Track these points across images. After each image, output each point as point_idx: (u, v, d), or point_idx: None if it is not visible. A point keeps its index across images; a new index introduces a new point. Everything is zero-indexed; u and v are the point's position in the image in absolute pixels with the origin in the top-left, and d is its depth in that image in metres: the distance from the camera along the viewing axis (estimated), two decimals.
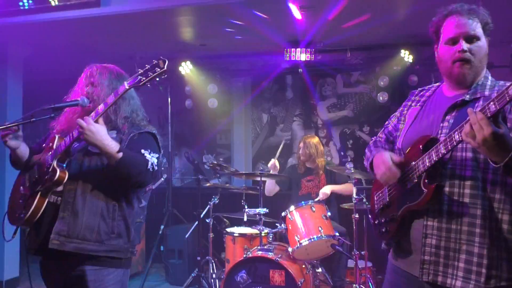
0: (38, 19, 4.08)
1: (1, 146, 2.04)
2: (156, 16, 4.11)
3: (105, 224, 1.85)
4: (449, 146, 1.39)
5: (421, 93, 1.76)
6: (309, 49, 5.01)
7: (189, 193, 5.91)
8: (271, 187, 4.27)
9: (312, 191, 4.20)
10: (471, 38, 1.50)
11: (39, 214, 1.86)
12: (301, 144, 4.33)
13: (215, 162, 4.16)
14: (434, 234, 1.48)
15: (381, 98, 5.50)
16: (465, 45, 1.50)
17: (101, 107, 1.83)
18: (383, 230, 1.68)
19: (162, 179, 4.97)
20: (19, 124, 1.95)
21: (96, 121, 1.79)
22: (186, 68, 5.51)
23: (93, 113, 1.83)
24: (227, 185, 4.98)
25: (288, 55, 5.04)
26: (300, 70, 5.41)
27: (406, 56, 5.06)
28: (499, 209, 1.41)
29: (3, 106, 4.80)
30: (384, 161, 1.61)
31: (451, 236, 1.45)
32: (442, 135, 1.49)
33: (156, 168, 1.90)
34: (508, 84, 1.26)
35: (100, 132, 1.77)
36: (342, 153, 5.82)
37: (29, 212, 1.84)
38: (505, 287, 1.39)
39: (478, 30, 1.51)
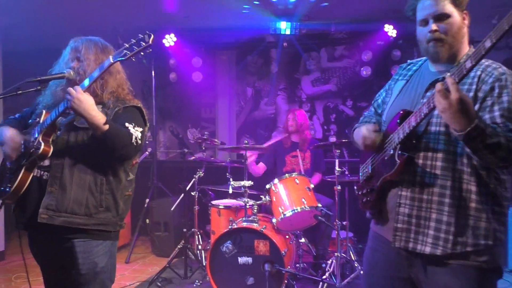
0: None
1: None
2: None
3: (93, 198, 1.86)
4: (418, 119, 1.46)
5: (408, 67, 1.81)
6: (294, 23, 5.00)
7: (174, 167, 5.94)
8: (255, 169, 4.31)
9: (296, 168, 4.28)
10: (441, 17, 1.54)
11: (24, 189, 1.87)
12: (291, 116, 4.38)
13: (201, 136, 4.18)
14: (407, 204, 1.56)
15: (364, 73, 5.56)
16: (434, 26, 1.54)
17: (86, 81, 1.83)
18: (365, 200, 1.76)
19: (147, 153, 4.99)
20: (4, 96, 1.93)
21: None
22: (170, 41, 5.44)
23: (78, 87, 1.81)
24: (212, 158, 5.03)
25: (273, 29, 5.02)
26: (284, 44, 5.40)
27: (390, 30, 5.09)
28: (468, 180, 1.48)
29: None
30: (366, 127, 1.71)
31: (423, 205, 1.53)
32: None
33: (140, 142, 1.90)
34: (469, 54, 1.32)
35: (88, 102, 1.76)
36: (325, 127, 5.90)
37: (14, 186, 1.84)
38: (470, 252, 1.47)
39: (447, 7, 1.53)
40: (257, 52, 5.83)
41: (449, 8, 1.53)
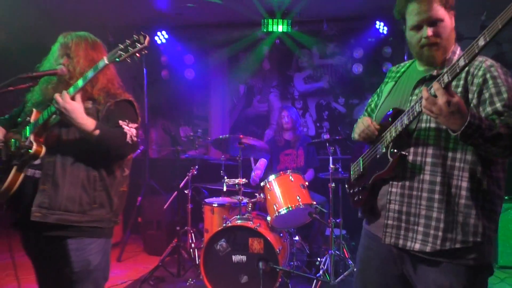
0: None
1: None
2: None
3: (87, 194, 1.85)
4: (411, 117, 1.47)
5: (397, 69, 1.84)
6: (286, 20, 5.00)
7: (166, 165, 5.90)
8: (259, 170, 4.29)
9: (289, 166, 4.28)
10: (434, 22, 1.53)
11: (15, 188, 1.85)
12: (285, 113, 4.38)
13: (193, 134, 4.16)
14: (397, 200, 1.57)
15: (356, 70, 5.57)
16: (430, 31, 1.53)
17: (80, 82, 1.80)
18: (356, 198, 1.77)
19: (139, 150, 4.94)
20: None
21: (73, 98, 1.78)
22: (162, 38, 5.40)
23: (71, 88, 1.80)
24: (205, 156, 5.01)
25: (265, 26, 5.01)
26: (277, 41, 5.39)
27: (381, 28, 5.11)
28: (459, 176, 1.47)
29: None
30: (363, 120, 1.71)
31: (412, 202, 1.53)
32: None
33: (135, 139, 1.91)
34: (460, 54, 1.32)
35: (75, 111, 1.75)
36: (318, 125, 5.91)
37: (4, 186, 1.82)
38: (459, 249, 1.46)
39: (440, 12, 1.53)
40: (249, 49, 5.81)
41: (442, 12, 1.53)
